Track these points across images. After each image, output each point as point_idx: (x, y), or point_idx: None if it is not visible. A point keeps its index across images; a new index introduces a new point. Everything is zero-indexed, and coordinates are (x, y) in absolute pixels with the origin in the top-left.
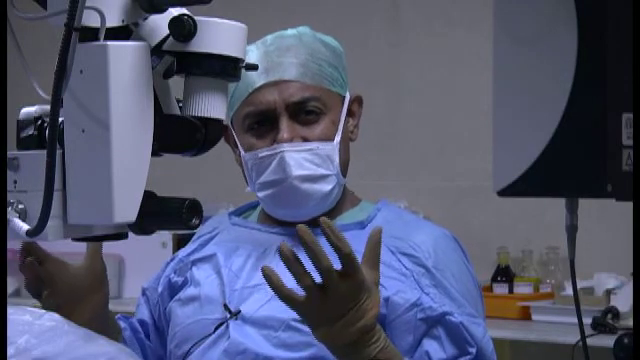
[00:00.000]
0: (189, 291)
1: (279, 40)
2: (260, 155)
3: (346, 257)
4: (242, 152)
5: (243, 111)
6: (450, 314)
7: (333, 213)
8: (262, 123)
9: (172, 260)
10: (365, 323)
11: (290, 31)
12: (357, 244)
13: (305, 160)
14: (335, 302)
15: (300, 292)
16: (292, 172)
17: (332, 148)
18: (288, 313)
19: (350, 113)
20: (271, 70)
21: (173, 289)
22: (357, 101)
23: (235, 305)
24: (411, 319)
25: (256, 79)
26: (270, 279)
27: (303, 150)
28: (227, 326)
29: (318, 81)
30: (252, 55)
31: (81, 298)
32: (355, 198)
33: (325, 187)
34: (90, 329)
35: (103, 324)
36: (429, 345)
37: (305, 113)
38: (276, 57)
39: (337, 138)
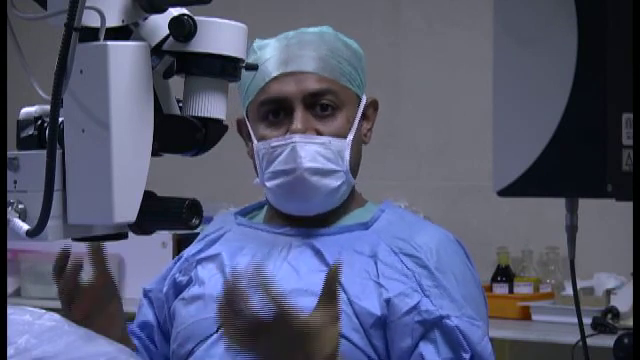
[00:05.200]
0: (193, 290)
1: (300, 35)
2: (272, 144)
3: (272, 302)
4: (255, 142)
5: (259, 99)
6: (447, 317)
7: (340, 212)
8: (277, 113)
9: (178, 260)
10: None
11: (312, 29)
12: (360, 245)
13: (317, 153)
14: (269, 349)
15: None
16: (303, 163)
17: (344, 145)
18: None
19: (365, 116)
20: (290, 61)
21: (178, 288)
22: (373, 106)
23: None
24: (409, 322)
25: (274, 69)
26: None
27: (315, 143)
28: None
29: (336, 76)
30: (271, 48)
31: (100, 310)
32: (362, 199)
33: (333, 183)
34: (112, 339)
35: (123, 332)
36: (425, 348)
37: (320, 107)
38: (297, 50)
39: (350, 136)
